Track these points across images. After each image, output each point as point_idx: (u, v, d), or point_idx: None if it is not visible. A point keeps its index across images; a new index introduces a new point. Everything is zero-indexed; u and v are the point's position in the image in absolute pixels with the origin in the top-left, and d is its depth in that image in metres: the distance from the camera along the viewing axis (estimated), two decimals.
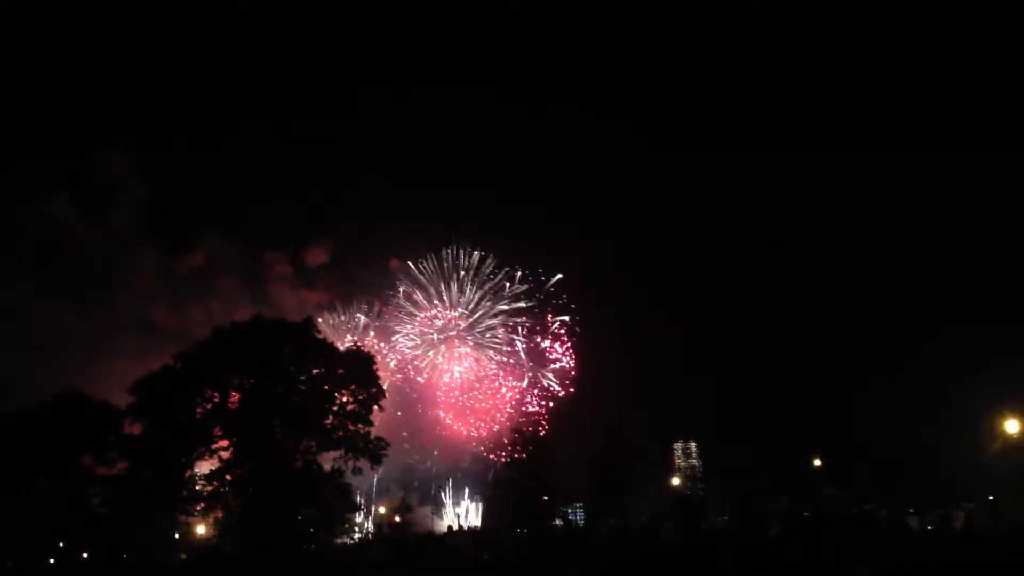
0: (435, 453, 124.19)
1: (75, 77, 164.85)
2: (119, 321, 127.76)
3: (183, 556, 68.13)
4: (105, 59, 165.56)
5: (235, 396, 65.95)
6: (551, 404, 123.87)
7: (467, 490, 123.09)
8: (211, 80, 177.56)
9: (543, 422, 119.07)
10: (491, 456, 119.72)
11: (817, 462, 74.06)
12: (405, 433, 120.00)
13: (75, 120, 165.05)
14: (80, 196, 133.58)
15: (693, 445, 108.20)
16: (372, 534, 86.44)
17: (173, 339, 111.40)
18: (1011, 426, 56.06)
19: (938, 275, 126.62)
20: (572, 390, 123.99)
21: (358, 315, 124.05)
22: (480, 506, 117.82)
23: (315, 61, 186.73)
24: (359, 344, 72.73)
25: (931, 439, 74.16)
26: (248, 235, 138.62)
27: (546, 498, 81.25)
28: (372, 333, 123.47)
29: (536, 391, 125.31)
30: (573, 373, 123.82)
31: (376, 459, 67.48)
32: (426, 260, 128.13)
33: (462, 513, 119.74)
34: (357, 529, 78.65)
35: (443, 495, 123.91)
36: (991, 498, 76.55)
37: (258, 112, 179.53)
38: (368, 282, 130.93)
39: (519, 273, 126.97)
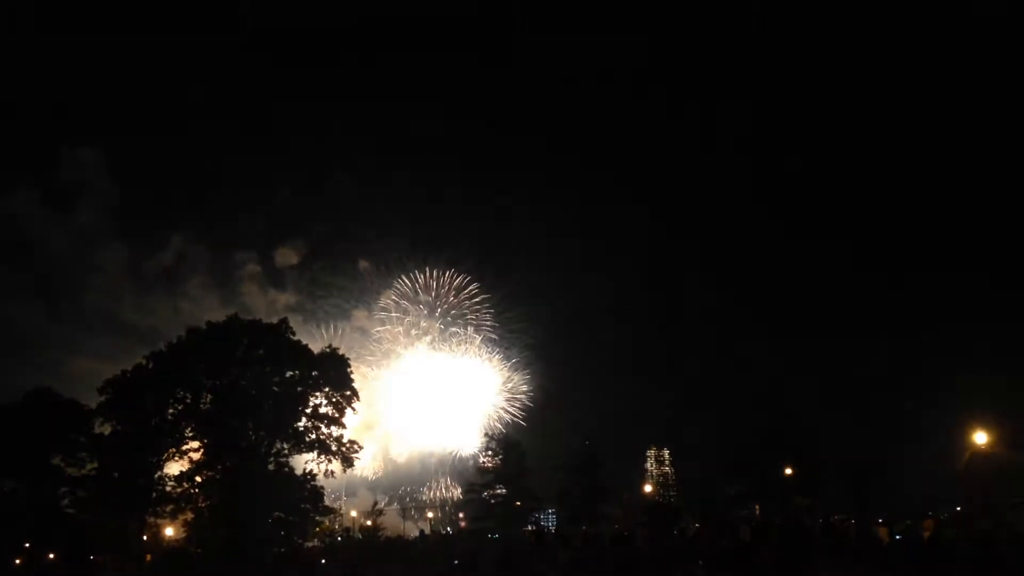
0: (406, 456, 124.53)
1: (43, 74, 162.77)
2: (88, 320, 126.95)
3: (148, 557, 67.41)
4: (74, 55, 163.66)
5: (207, 397, 65.65)
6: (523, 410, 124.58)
7: (440, 493, 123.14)
8: (181, 77, 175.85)
9: (517, 427, 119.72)
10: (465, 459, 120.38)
11: (788, 471, 74.52)
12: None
13: (43, 118, 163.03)
14: (48, 194, 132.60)
15: (666, 452, 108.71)
16: (342, 537, 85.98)
17: (142, 338, 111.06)
18: (979, 438, 56.85)
19: (911, 283, 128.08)
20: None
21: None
22: (452, 510, 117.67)
23: (285, 62, 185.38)
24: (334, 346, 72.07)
25: (902, 450, 74.92)
26: (218, 235, 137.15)
27: (519, 503, 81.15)
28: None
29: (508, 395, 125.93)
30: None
31: (348, 462, 67.41)
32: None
33: (434, 517, 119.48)
34: (328, 533, 78.15)
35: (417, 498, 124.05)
36: (958, 509, 77.40)
37: (228, 111, 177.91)
38: (337, 284, 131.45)
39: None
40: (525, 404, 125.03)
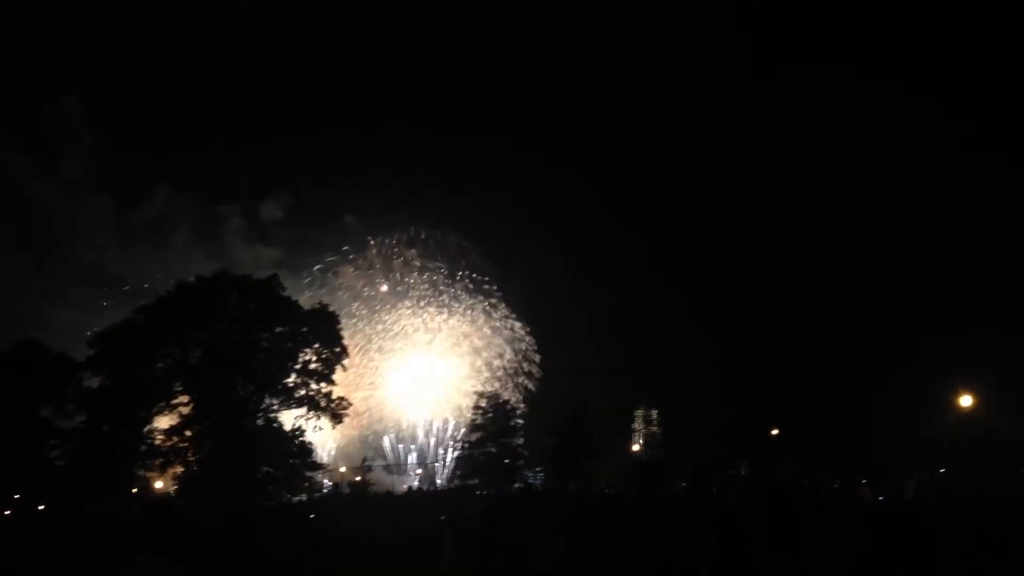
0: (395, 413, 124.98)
1: (25, 21, 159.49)
2: (72, 271, 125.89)
3: (136, 509, 67.68)
4: (57, 3, 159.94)
5: (196, 351, 65.63)
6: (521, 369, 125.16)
7: (429, 451, 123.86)
8: (166, 25, 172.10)
9: (506, 386, 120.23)
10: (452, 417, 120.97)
11: (775, 432, 75.21)
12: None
13: (25, 65, 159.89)
14: (31, 143, 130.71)
15: (654, 412, 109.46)
16: (330, 492, 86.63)
17: (126, 291, 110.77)
18: (964, 400, 57.42)
19: (899, 246, 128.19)
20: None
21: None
22: (441, 468, 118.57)
23: (274, 11, 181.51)
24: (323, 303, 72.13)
25: (887, 412, 75.65)
26: (204, 187, 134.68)
27: (507, 461, 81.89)
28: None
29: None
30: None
31: (338, 418, 67.75)
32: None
33: (423, 474, 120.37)
34: (316, 488, 78.65)
35: (405, 456, 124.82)
36: (942, 471, 78.35)
37: (214, 60, 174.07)
38: (323, 240, 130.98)
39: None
40: (517, 364, 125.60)
